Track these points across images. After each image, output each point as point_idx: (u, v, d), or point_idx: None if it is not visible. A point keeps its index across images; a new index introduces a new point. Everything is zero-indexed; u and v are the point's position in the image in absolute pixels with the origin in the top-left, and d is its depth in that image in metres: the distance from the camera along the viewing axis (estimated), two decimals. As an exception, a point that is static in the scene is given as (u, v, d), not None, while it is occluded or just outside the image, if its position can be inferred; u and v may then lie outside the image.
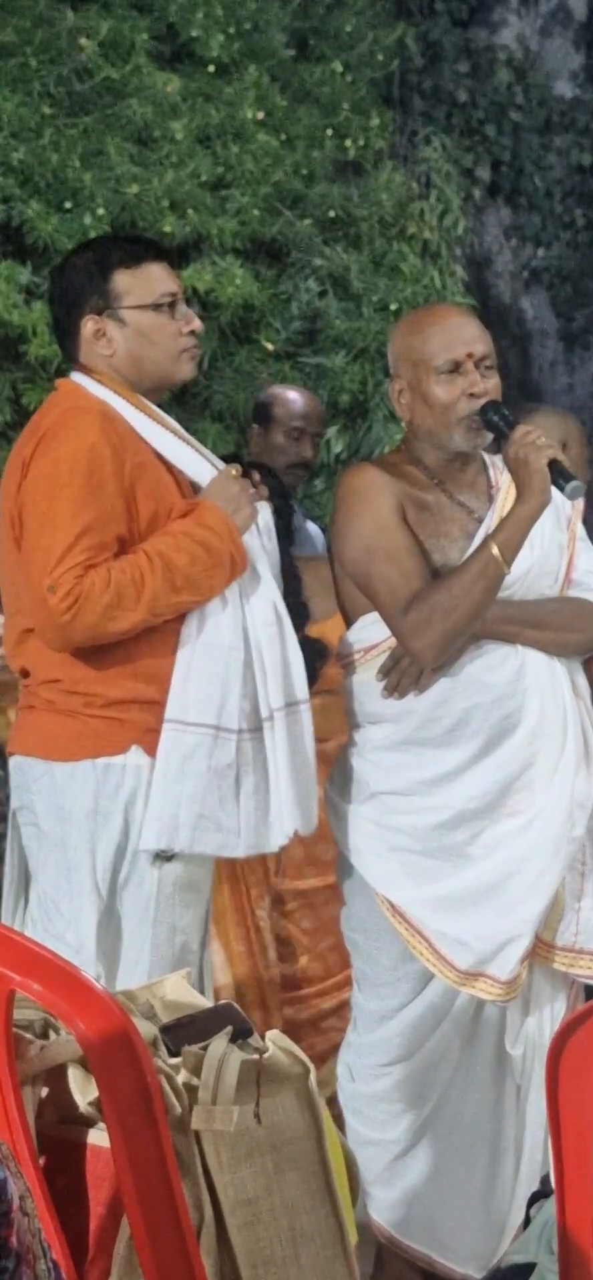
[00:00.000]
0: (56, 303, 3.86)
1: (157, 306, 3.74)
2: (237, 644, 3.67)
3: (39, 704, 3.71)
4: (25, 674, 3.76)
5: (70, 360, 3.83)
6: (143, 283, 3.75)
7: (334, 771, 3.87)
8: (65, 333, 3.82)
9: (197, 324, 3.80)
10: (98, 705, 3.64)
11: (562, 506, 3.74)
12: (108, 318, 3.74)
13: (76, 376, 3.78)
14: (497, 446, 3.77)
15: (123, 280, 3.74)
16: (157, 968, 3.58)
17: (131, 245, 3.89)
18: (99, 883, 3.65)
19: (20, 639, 3.73)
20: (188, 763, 3.62)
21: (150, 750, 3.64)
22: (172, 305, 3.76)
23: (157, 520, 3.67)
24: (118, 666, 3.64)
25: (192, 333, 3.78)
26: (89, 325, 3.75)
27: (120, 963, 3.64)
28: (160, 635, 3.65)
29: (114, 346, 3.74)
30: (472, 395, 3.67)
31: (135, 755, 3.63)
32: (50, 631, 3.59)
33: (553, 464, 3.60)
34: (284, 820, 3.69)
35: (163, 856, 3.64)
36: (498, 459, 3.81)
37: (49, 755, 3.67)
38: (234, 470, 3.78)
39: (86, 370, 3.77)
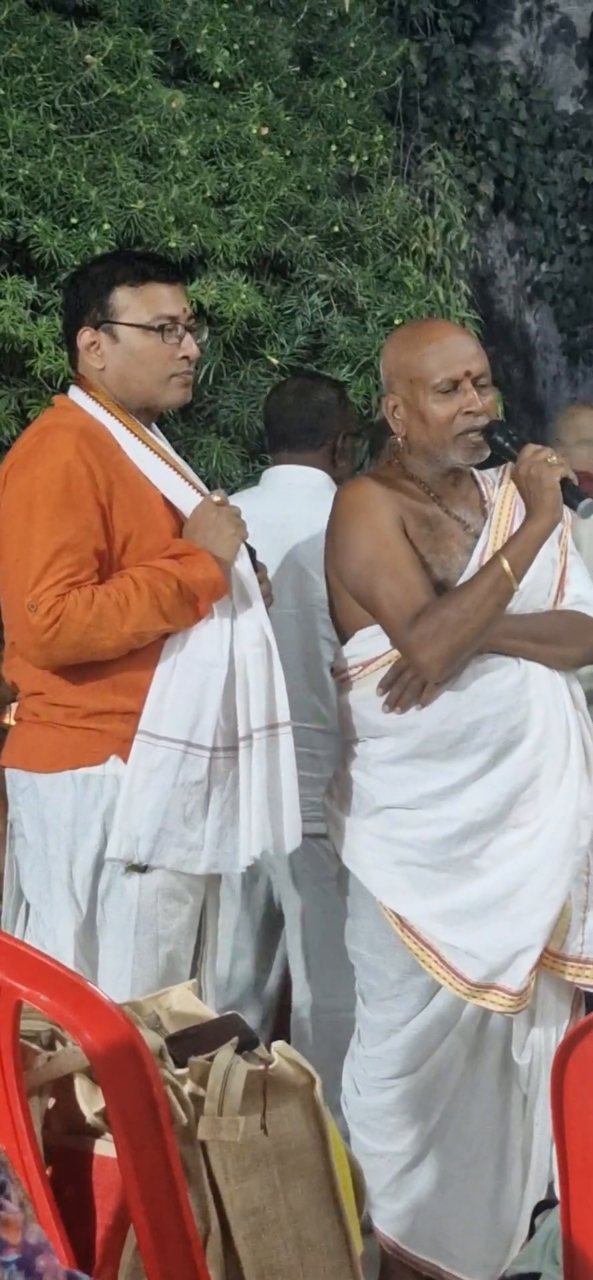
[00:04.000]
0: (64, 312, 3.91)
1: (149, 328, 3.74)
2: (220, 661, 3.67)
3: (26, 716, 3.74)
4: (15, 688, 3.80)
5: (74, 370, 3.86)
6: (142, 302, 3.76)
7: (334, 786, 3.87)
8: (69, 343, 3.85)
9: (193, 351, 3.79)
10: (78, 716, 3.66)
11: None
12: (103, 331, 3.76)
13: (72, 391, 3.81)
14: (489, 463, 3.78)
15: (123, 297, 3.75)
16: (140, 979, 3.60)
17: (139, 263, 3.88)
18: (78, 893, 3.66)
19: (9, 653, 3.77)
20: (154, 776, 3.62)
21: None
22: (167, 329, 3.75)
23: (133, 539, 3.67)
24: (98, 679, 3.65)
25: (186, 358, 3.77)
26: (85, 336, 3.77)
27: (105, 973, 3.64)
28: (142, 648, 3.66)
29: (105, 361, 3.76)
30: (469, 413, 3.68)
31: (114, 765, 3.65)
32: (33, 649, 3.60)
33: (565, 482, 3.61)
34: (252, 841, 3.68)
35: (137, 867, 3.64)
36: (488, 475, 3.82)
37: (32, 767, 3.70)
38: (217, 497, 3.78)
39: (83, 384, 3.79)
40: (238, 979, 4.72)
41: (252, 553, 3.84)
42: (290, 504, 4.54)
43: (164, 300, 3.78)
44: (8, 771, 3.79)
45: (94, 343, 3.76)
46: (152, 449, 3.77)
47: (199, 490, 3.84)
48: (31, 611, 3.55)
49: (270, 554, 4.50)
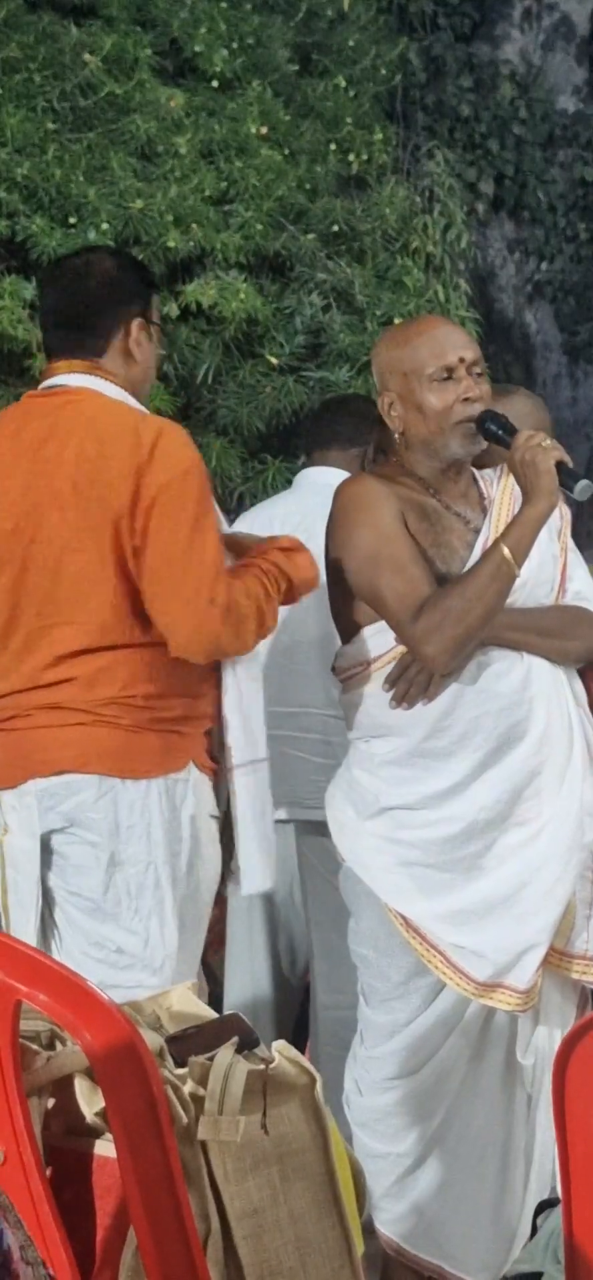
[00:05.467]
0: (96, 293, 3.70)
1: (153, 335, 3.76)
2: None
3: (102, 720, 3.61)
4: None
5: (83, 355, 3.68)
6: (154, 309, 3.78)
7: (335, 787, 3.86)
8: (96, 327, 3.68)
9: None
10: (168, 721, 3.63)
11: (552, 519, 3.74)
12: (145, 330, 3.70)
13: (97, 383, 3.66)
14: (487, 460, 3.78)
15: (156, 302, 3.78)
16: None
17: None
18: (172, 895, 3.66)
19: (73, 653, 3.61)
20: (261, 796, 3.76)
21: (203, 766, 3.68)
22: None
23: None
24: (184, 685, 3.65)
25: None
26: (135, 325, 3.69)
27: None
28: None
29: (140, 356, 3.69)
30: (466, 400, 3.68)
31: (193, 771, 3.66)
32: (207, 642, 3.57)
33: (560, 465, 3.60)
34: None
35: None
36: (487, 472, 3.81)
37: (117, 773, 3.61)
38: None
39: (106, 375, 3.67)
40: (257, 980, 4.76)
41: None
42: (315, 500, 4.59)
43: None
44: (65, 778, 3.62)
45: (139, 337, 3.70)
46: None
47: None
48: (211, 605, 3.54)
49: None
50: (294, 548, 3.75)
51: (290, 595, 3.73)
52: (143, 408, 3.69)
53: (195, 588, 3.51)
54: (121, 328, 3.69)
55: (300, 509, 4.60)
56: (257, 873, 3.72)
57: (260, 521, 4.66)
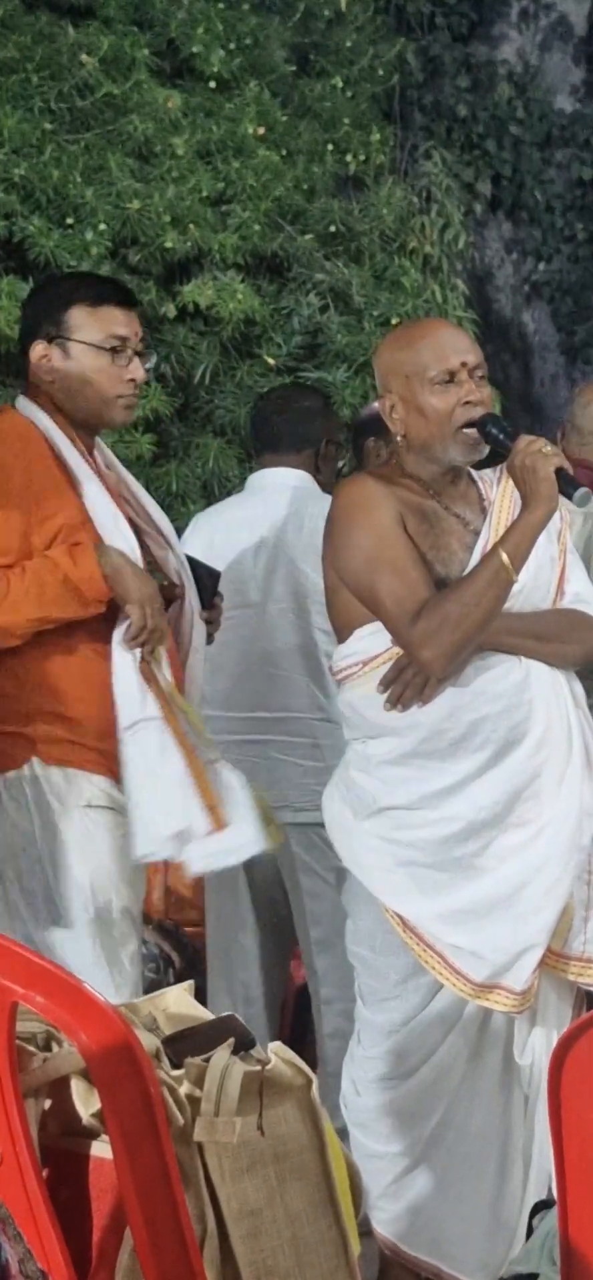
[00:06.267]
0: (21, 323, 4.02)
1: (100, 348, 3.82)
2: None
3: None
4: None
5: (25, 381, 3.93)
6: (96, 322, 3.84)
7: (332, 786, 3.86)
8: (22, 354, 3.92)
9: (139, 374, 3.87)
10: None
11: (552, 521, 3.74)
12: (56, 346, 3.84)
13: (19, 401, 3.89)
14: (487, 463, 3.78)
15: (79, 315, 3.84)
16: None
17: (98, 285, 4.02)
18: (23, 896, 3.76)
19: None
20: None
21: (54, 759, 3.74)
22: (117, 350, 3.84)
23: (59, 539, 3.74)
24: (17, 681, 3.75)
25: (132, 381, 3.86)
26: (37, 349, 3.85)
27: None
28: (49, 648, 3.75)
29: (54, 374, 3.84)
30: (468, 404, 3.68)
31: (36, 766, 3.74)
32: None
33: (560, 472, 3.60)
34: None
35: None
36: (486, 474, 3.81)
37: None
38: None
39: (31, 393, 3.87)
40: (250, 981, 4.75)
41: (215, 579, 3.98)
42: (278, 502, 4.65)
43: (118, 322, 3.87)
44: None
45: (45, 356, 3.85)
46: (88, 465, 3.84)
47: (141, 505, 3.95)
48: None
49: (261, 552, 4.58)
50: (78, 544, 3.76)
51: (71, 589, 3.72)
52: None
53: None
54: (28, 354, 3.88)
55: (269, 513, 4.63)
56: (148, 832, 3.73)
57: (222, 526, 4.67)
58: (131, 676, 3.75)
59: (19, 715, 3.74)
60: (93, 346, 3.82)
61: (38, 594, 3.68)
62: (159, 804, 3.71)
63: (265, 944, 4.76)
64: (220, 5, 6.88)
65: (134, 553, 3.79)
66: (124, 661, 3.74)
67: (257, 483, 4.81)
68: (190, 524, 4.88)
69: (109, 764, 3.75)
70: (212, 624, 3.98)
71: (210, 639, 4.01)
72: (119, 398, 3.85)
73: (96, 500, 3.81)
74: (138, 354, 3.88)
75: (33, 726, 3.74)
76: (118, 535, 3.79)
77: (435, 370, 3.69)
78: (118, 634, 3.74)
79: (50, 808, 3.73)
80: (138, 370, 3.87)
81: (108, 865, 3.74)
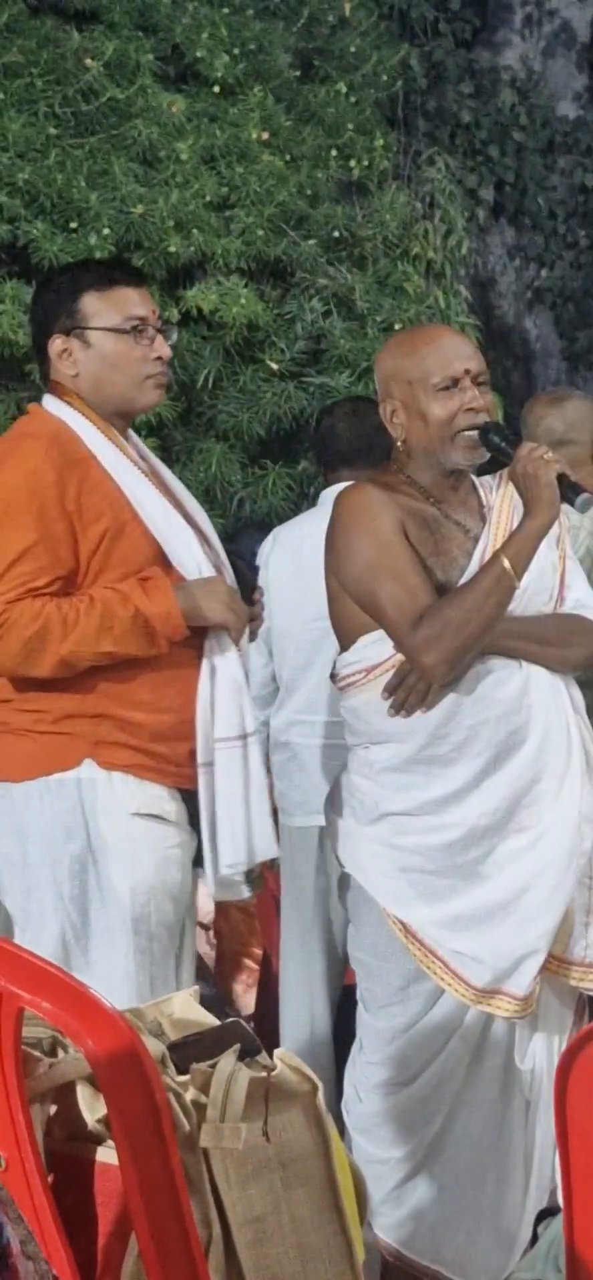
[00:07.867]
0: (32, 324, 3.90)
1: (121, 330, 3.74)
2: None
3: None
4: None
5: (45, 381, 3.84)
6: (111, 305, 3.75)
7: (335, 793, 3.87)
8: (39, 353, 3.84)
9: (165, 351, 3.78)
10: (47, 721, 3.65)
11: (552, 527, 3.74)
12: (74, 338, 3.75)
13: (46, 399, 3.79)
14: (487, 468, 3.78)
15: (92, 302, 3.75)
16: (137, 981, 3.62)
17: (105, 268, 3.92)
18: (65, 898, 3.65)
19: None
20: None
21: (108, 763, 3.66)
22: (139, 330, 3.75)
23: (105, 542, 3.65)
24: (66, 682, 3.64)
25: (159, 359, 3.77)
26: (56, 344, 3.76)
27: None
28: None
29: (78, 367, 3.75)
30: (470, 410, 3.68)
31: (89, 769, 3.65)
32: None
33: (562, 478, 3.61)
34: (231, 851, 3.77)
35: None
36: (486, 480, 3.82)
37: (5, 776, 3.68)
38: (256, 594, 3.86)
39: (57, 390, 3.77)
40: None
41: (255, 573, 3.96)
42: None
43: (133, 302, 3.78)
44: None
45: (66, 350, 3.76)
46: (126, 455, 3.76)
47: (177, 498, 3.85)
48: None
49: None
50: (152, 578, 3.69)
51: (141, 625, 3.64)
52: None
53: None
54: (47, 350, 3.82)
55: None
56: (236, 842, 3.70)
57: (308, 538, 4.66)
58: (234, 689, 3.71)
59: (78, 717, 3.65)
60: (112, 331, 3.73)
61: (106, 629, 3.59)
62: (255, 817, 3.70)
63: (329, 945, 4.79)
64: (225, 10, 6.89)
65: (190, 544, 3.73)
66: (227, 674, 3.71)
67: (328, 498, 4.80)
68: (270, 537, 4.86)
69: (166, 768, 3.70)
70: (254, 619, 3.89)
71: (253, 635, 3.93)
72: (148, 378, 3.76)
73: (141, 492, 3.72)
74: (159, 331, 3.78)
75: (91, 728, 3.65)
76: (167, 526, 3.72)
77: (438, 376, 3.69)
78: (214, 643, 3.71)
79: (98, 812, 3.65)
80: (163, 347, 3.77)
81: (150, 878, 3.68)
